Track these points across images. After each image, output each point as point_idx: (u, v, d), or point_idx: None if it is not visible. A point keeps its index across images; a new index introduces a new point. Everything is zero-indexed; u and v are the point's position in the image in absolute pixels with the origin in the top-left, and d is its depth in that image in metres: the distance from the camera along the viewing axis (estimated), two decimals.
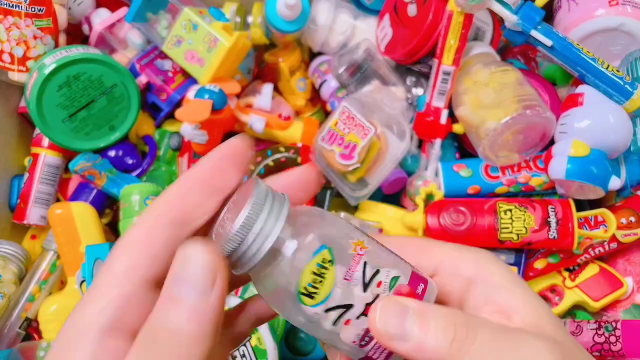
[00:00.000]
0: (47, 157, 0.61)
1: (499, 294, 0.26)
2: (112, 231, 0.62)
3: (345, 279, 0.24)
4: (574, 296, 0.58)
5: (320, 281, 0.24)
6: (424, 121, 0.59)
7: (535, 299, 0.26)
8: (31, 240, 0.64)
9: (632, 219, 0.56)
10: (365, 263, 0.24)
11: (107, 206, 0.64)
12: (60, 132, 0.57)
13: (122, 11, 0.64)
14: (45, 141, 0.61)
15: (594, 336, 0.54)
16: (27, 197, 0.60)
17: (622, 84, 0.54)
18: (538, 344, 0.24)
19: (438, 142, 0.60)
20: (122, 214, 0.55)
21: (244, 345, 0.50)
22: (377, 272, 0.25)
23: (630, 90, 0.54)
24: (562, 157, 0.54)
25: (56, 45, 0.59)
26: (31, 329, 0.58)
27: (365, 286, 0.24)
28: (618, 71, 0.55)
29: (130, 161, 0.62)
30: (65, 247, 0.55)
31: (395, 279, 0.25)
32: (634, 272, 0.59)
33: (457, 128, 0.60)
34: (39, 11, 0.56)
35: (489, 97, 0.55)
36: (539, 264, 0.58)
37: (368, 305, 0.25)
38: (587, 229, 0.57)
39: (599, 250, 0.57)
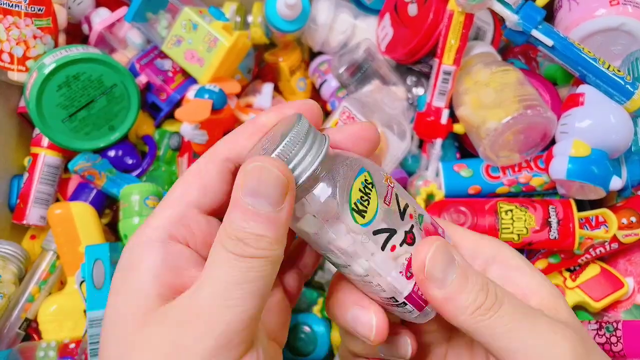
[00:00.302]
0: (46, 157, 0.61)
1: (517, 276, 0.27)
2: (112, 231, 0.62)
3: (385, 203, 0.26)
4: (575, 296, 0.58)
5: (367, 200, 0.25)
6: (425, 121, 0.59)
7: (550, 285, 0.28)
8: (31, 241, 0.64)
9: (633, 219, 0.56)
10: (396, 195, 0.26)
11: (107, 206, 0.63)
12: (60, 132, 0.57)
13: (122, 11, 0.64)
14: (45, 141, 0.61)
15: (594, 336, 0.53)
16: (27, 197, 0.60)
17: (623, 83, 0.54)
18: (554, 327, 0.25)
19: (439, 142, 0.60)
20: (122, 214, 0.55)
21: None
22: (407, 205, 0.27)
23: (631, 90, 0.54)
24: (563, 157, 0.54)
25: (56, 45, 0.59)
26: (31, 330, 0.58)
27: (402, 215, 0.26)
28: (619, 71, 0.55)
29: (130, 161, 0.62)
30: (64, 247, 0.55)
31: (421, 216, 0.27)
32: (634, 272, 0.59)
33: (457, 128, 0.59)
34: (38, 11, 0.55)
35: (490, 97, 0.55)
36: (540, 265, 0.58)
37: (407, 233, 0.26)
38: (588, 229, 0.57)
39: (600, 251, 0.57)
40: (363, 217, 0.25)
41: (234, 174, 0.26)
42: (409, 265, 0.26)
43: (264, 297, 0.23)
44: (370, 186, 0.25)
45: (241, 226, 0.23)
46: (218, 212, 0.27)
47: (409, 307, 0.26)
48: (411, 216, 0.27)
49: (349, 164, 0.25)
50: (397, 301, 0.26)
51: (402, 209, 0.26)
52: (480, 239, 0.29)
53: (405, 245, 0.26)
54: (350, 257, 0.25)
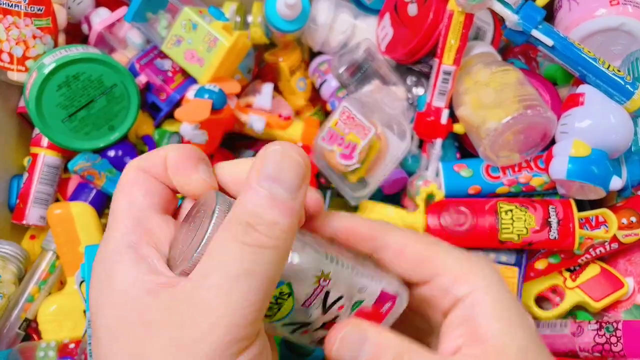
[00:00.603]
0: (46, 157, 0.61)
1: (480, 322, 0.25)
2: None
3: (304, 305, 0.25)
4: (575, 297, 0.58)
5: (278, 308, 0.25)
6: (425, 121, 0.59)
7: (519, 336, 0.25)
8: (30, 241, 0.64)
9: (633, 219, 0.56)
10: (327, 292, 0.25)
11: (107, 206, 0.63)
12: (59, 132, 0.57)
13: (122, 11, 0.64)
14: (45, 141, 0.61)
15: (594, 337, 0.53)
16: (27, 197, 0.60)
17: (623, 83, 0.54)
18: None
19: (439, 142, 0.60)
20: None
21: None
22: (340, 298, 0.25)
23: (631, 90, 0.54)
24: (563, 157, 0.54)
25: (55, 45, 0.59)
26: (30, 330, 0.58)
27: (326, 310, 0.25)
28: (619, 71, 0.55)
29: (129, 161, 0.62)
30: (64, 247, 0.55)
31: (358, 303, 0.26)
32: (635, 272, 0.59)
33: (457, 128, 0.59)
34: (38, 11, 0.55)
35: (490, 97, 0.55)
36: (540, 265, 0.58)
37: (326, 323, 0.26)
38: (588, 229, 0.57)
39: (600, 251, 0.57)
40: (269, 317, 0.25)
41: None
42: (319, 340, 0.26)
43: (270, 292, 0.22)
44: (286, 296, 0.25)
45: (254, 211, 0.22)
46: (169, 212, 0.28)
47: None
48: (341, 307, 0.25)
49: None
50: None
51: (328, 305, 0.25)
52: (459, 276, 0.27)
53: (320, 330, 0.26)
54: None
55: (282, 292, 0.24)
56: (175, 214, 0.29)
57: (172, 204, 0.28)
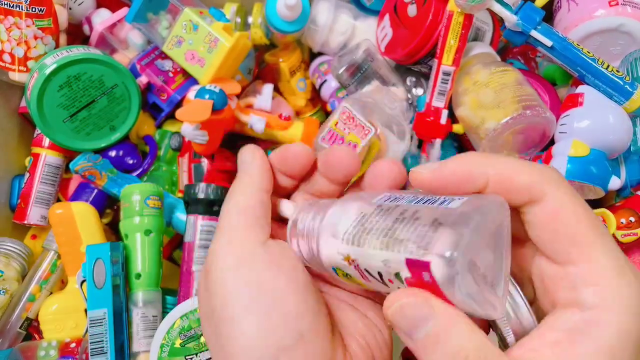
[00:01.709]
0: (47, 157, 0.61)
1: (571, 245, 0.22)
2: (113, 231, 0.63)
3: (364, 279, 0.25)
4: None
5: (353, 279, 0.26)
6: (424, 121, 0.59)
7: (623, 268, 0.22)
8: (32, 240, 0.64)
9: (632, 219, 0.56)
10: (366, 270, 0.24)
11: (108, 206, 0.64)
12: (60, 132, 0.57)
13: (123, 11, 0.64)
14: (46, 141, 0.61)
15: None
16: (28, 197, 0.60)
17: (622, 84, 0.54)
18: None
19: (438, 142, 0.60)
20: (122, 214, 0.55)
21: None
22: (380, 273, 0.24)
23: (630, 90, 0.54)
24: (562, 157, 0.54)
25: (57, 46, 0.59)
26: (32, 329, 0.58)
27: (383, 282, 0.24)
28: (618, 71, 0.55)
29: (130, 161, 0.62)
30: (66, 247, 0.55)
31: (398, 274, 0.23)
32: None
33: (457, 128, 0.60)
34: (39, 11, 0.56)
35: (489, 97, 0.55)
36: None
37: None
38: None
39: None
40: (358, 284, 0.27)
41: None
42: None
43: None
44: (348, 275, 0.26)
45: None
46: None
47: None
48: (390, 280, 0.23)
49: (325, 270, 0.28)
50: None
51: (379, 280, 0.24)
52: (517, 173, 0.23)
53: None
54: None
55: (342, 274, 0.26)
56: None
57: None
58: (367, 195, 0.27)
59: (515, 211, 0.24)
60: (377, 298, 0.32)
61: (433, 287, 0.21)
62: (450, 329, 0.21)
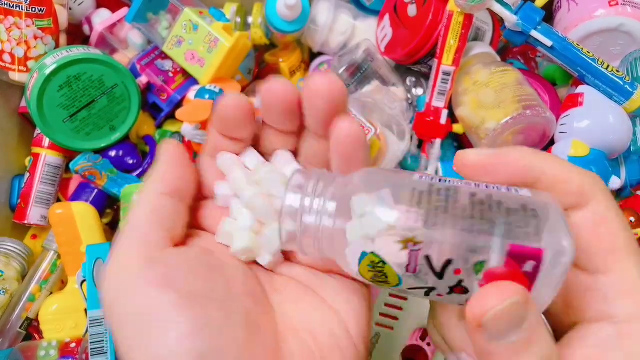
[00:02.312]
0: (47, 157, 0.61)
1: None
2: (113, 231, 0.63)
3: (408, 272, 0.21)
4: None
5: (383, 275, 0.21)
6: (424, 121, 0.59)
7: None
8: (32, 240, 0.64)
9: (632, 219, 0.56)
10: (427, 257, 0.20)
11: (108, 206, 0.64)
12: (61, 132, 0.57)
13: (123, 11, 0.64)
14: (46, 141, 0.61)
15: None
16: (28, 197, 0.60)
17: (622, 84, 0.54)
18: None
19: (438, 142, 0.60)
20: (122, 213, 0.55)
21: None
22: (450, 262, 0.20)
23: (630, 90, 0.54)
24: (562, 158, 0.54)
25: (57, 46, 0.59)
26: (32, 329, 0.58)
27: (440, 275, 0.21)
28: (618, 71, 0.55)
29: (130, 161, 0.62)
30: (66, 247, 0.55)
31: (480, 264, 0.20)
32: None
33: (457, 128, 0.60)
34: (39, 11, 0.56)
35: (489, 97, 0.55)
36: None
37: (453, 287, 0.21)
38: None
39: None
40: (384, 285, 0.22)
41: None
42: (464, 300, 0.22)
43: None
44: (380, 264, 0.21)
45: None
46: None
47: None
48: (457, 271, 0.20)
49: (351, 252, 0.22)
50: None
51: (439, 270, 0.20)
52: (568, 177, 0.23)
53: (455, 295, 0.21)
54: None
55: (373, 262, 0.21)
56: None
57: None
58: (394, 173, 0.23)
59: None
60: (347, 275, 0.27)
61: (522, 280, 0.20)
62: (540, 331, 0.20)
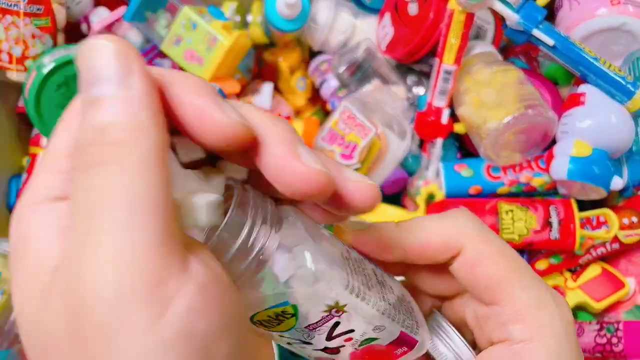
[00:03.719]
0: None
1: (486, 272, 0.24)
2: None
3: (308, 328, 0.21)
4: (576, 297, 0.58)
5: (277, 323, 0.21)
6: (425, 121, 0.59)
7: (538, 291, 0.24)
8: None
9: (635, 219, 0.56)
10: (337, 323, 0.21)
11: None
12: None
13: (121, 10, 0.63)
14: (44, 141, 0.61)
15: (595, 337, 0.53)
16: None
17: (624, 83, 0.54)
18: None
19: (439, 141, 0.60)
20: None
21: None
22: (351, 331, 0.22)
23: (632, 89, 0.54)
24: (564, 157, 0.54)
25: (55, 45, 0.58)
26: None
27: (331, 338, 0.22)
28: (620, 70, 0.54)
29: None
30: None
31: (370, 340, 0.23)
32: (636, 272, 0.59)
33: (458, 127, 0.59)
34: (37, 10, 0.55)
35: (491, 96, 0.55)
36: (541, 265, 0.58)
37: (328, 348, 0.22)
38: (589, 230, 0.56)
39: (601, 251, 0.57)
40: (266, 328, 0.21)
41: None
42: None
43: (157, 225, 0.15)
44: (289, 316, 0.20)
45: (84, 129, 0.16)
46: None
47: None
48: (349, 339, 0.22)
49: (273, 295, 0.20)
50: None
51: (335, 334, 0.22)
52: (443, 228, 0.25)
53: (321, 352, 0.23)
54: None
55: (285, 312, 0.20)
56: None
57: None
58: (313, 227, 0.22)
59: (445, 266, 0.25)
60: None
61: (389, 357, 0.24)
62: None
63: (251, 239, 0.19)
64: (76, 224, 0.16)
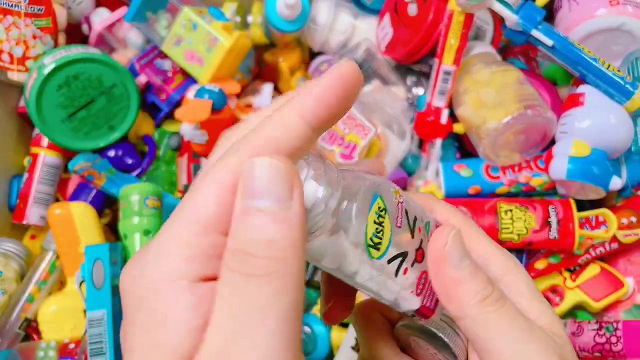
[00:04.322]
0: (46, 157, 0.61)
1: (518, 300, 0.26)
2: (112, 231, 0.62)
3: (397, 226, 0.24)
4: (575, 296, 0.58)
5: (381, 230, 0.23)
6: (425, 121, 0.59)
7: (552, 314, 0.27)
8: (31, 240, 0.64)
9: (633, 219, 0.56)
10: (406, 211, 0.25)
11: (107, 206, 0.63)
12: (59, 132, 0.57)
13: (122, 11, 0.64)
14: (45, 141, 0.61)
15: (594, 337, 0.53)
16: (27, 197, 0.60)
17: (622, 83, 0.54)
18: (548, 339, 0.25)
19: (438, 141, 0.60)
20: (121, 214, 0.55)
21: None
22: (415, 219, 0.25)
23: (631, 90, 0.54)
24: (563, 157, 0.54)
25: (55, 45, 0.59)
26: (30, 329, 0.58)
27: (412, 232, 0.25)
28: (619, 71, 0.55)
29: (129, 161, 0.62)
30: (64, 248, 0.55)
31: (428, 224, 0.26)
32: (635, 272, 0.59)
33: (457, 128, 0.59)
34: (38, 11, 0.55)
35: (490, 96, 0.55)
36: (540, 265, 0.58)
37: (417, 250, 0.25)
38: (588, 229, 0.57)
39: (600, 251, 0.57)
40: (378, 249, 0.23)
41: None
42: (418, 283, 0.25)
43: (297, 321, 0.18)
44: (383, 213, 0.23)
45: (246, 237, 0.18)
46: None
47: (416, 317, 0.26)
48: (420, 229, 0.25)
49: (364, 193, 0.23)
50: (406, 314, 0.27)
51: (412, 226, 0.25)
52: (493, 252, 0.28)
53: (416, 264, 0.25)
54: (362, 287, 0.25)
55: (380, 207, 0.23)
56: None
57: None
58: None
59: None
60: None
61: None
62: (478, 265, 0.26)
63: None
64: (224, 323, 0.18)
